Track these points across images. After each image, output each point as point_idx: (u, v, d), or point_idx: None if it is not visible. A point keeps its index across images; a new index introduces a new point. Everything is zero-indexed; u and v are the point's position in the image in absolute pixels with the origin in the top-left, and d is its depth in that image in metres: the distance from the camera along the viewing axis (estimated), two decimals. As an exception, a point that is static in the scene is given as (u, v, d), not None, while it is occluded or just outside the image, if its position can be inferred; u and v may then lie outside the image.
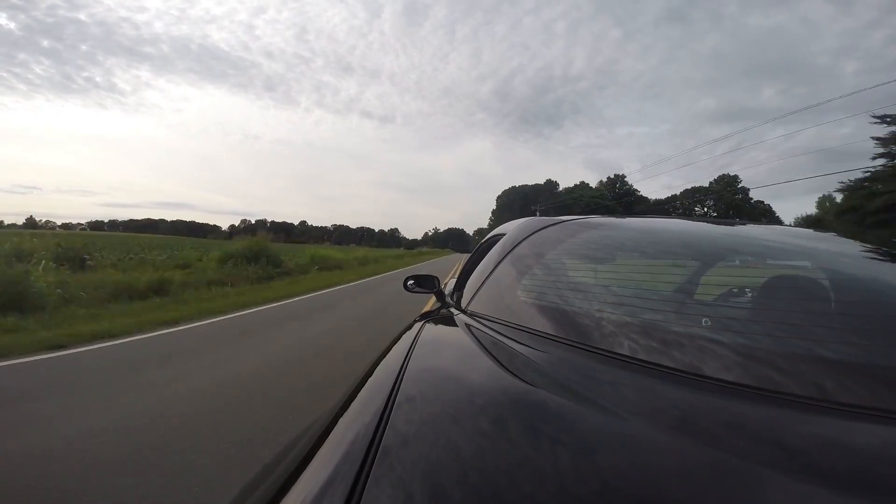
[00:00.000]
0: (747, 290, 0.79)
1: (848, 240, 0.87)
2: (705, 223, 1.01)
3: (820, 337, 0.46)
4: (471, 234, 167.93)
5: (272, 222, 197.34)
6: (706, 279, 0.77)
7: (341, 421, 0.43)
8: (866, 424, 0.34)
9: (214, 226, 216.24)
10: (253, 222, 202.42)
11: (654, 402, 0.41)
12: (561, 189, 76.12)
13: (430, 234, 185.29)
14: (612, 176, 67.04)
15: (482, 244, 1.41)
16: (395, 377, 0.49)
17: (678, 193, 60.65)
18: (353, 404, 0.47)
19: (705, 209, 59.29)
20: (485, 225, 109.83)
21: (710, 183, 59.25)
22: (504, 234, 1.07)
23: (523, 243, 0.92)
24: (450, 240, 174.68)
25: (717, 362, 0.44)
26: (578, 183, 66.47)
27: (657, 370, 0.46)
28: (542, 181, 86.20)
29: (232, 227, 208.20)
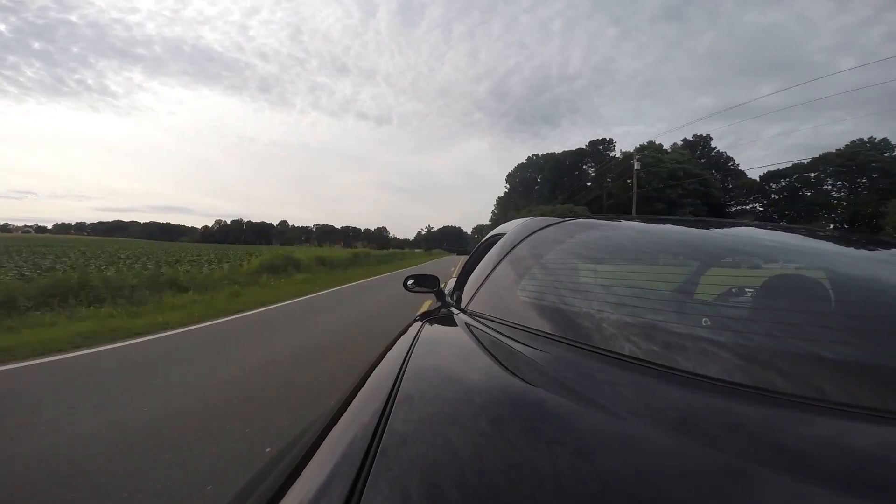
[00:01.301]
0: (747, 289, 0.79)
1: (847, 239, 0.85)
2: (704, 223, 1.02)
3: (819, 337, 0.46)
4: (469, 232, 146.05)
5: (248, 222, 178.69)
6: (705, 279, 0.77)
7: (341, 420, 0.43)
8: (866, 424, 0.34)
9: (191, 227, 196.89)
10: (228, 223, 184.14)
11: (654, 401, 0.41)
12: (618, 154, 48.17)
13: (423, 232, 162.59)
14: (689, 138, 43.36)
15: (482, 244, 1.41)
16: (395, 377, 0.49)
17: (806, 161, 37.17)
18: (353, 404, 0.47)
19: (857, 187, 35.83)
20: (486, 221, 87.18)
21: (838, 151, 36.45)
22: (503, 234, 1.07)
23: (523, 243, 0.91)
24: (445, 239, 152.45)
25: (716, 362, 0.44)
26: (645, 143, 38.95)
27: (656, 370, 0.45)
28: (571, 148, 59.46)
29: (205, 228, 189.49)
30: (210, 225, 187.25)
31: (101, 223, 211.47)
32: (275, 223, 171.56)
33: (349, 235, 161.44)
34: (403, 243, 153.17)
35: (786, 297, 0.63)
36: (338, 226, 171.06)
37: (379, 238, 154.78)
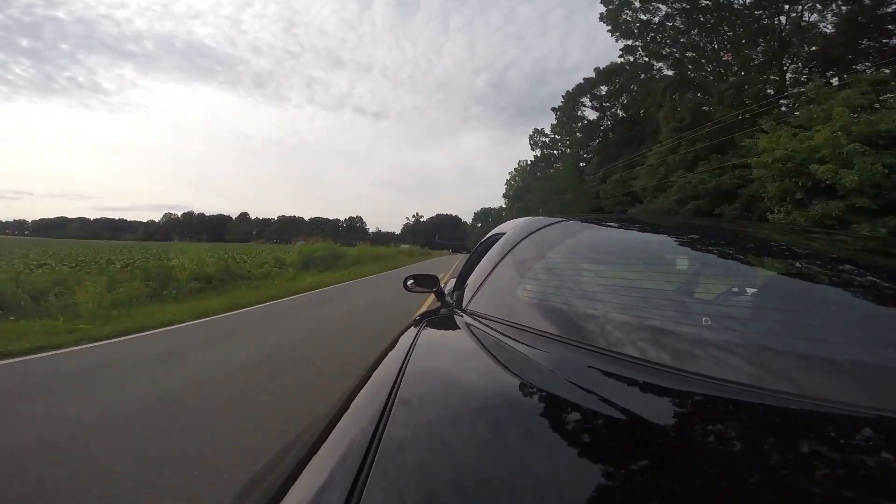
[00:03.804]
0: (747, 289, 0.79)
1: (845, 239, 0.87)
2: (706, 222, 1.02)
3: (819, 337, 0.46)
4: (469, 221, 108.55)
5: (200, 215, 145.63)
6: (706, 279, 0.78)
7: (341, 422, 0.42)
8: (866, 424, 0.34)
9: (145, 222, 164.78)
10: (179, 216, 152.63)
11: (655, 402, 0.40)
12: None
13: (409, 223, 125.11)
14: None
15: (482, 243, 1.42)
16: (394, 378, 0.48)
17: None
18: (353, 405, 0.46)
19: None
20: (495, 204, 51.39)
21: None
22: (504, 234, 1.07)
23: (523, 242, 0.91)
24: (437, 231, 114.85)
25: (717, 362, 0.44)
26: None
27: (658, 370, 0.45)
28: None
29: (151, 222, 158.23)
30: (158, 219, 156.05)
31: (43, 220, 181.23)
32: (233, 216, 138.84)
33: (317, 228, 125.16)
34: (388, 238, 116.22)
35: (786, 297, 0.62)
36: (307, 217, 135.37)
37: (349, 231, 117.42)
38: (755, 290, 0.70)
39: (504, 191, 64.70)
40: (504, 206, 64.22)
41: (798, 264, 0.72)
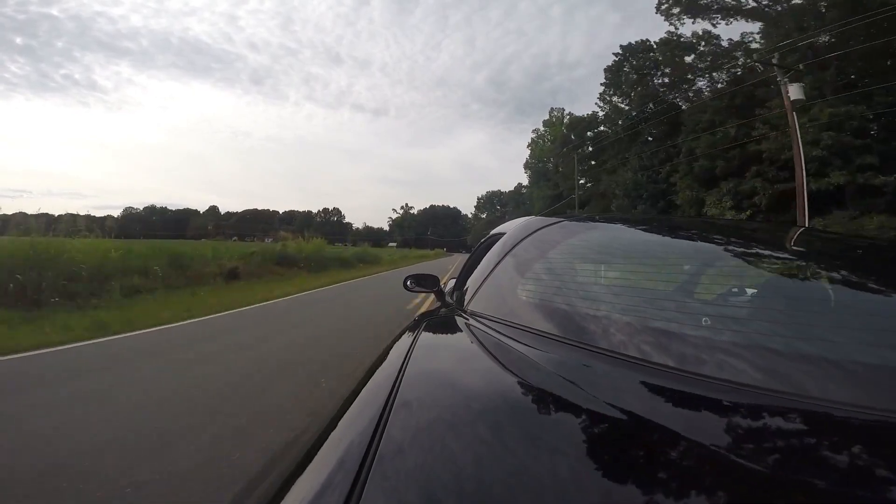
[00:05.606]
0: (747, 289, 0.78)
1: (845, 239, 0.88)
2: (706, 222, 1.04)
3: (820, 337, 0.46)
4: (470, 214, 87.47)
5: (163, 208, 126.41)
6: (706, 279, 0.78)
7: (340, 423, 0.42)
8: (866, 424, 0.34)
9: (103, 217, 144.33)
10: (141, 210, 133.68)
11: (656, 402, 0.40)
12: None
13: (397, 216, 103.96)
14: None
15: (481, 244, 1.42)
16: (394, 378, 0.48)
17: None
18: (353, 406, 0.45)
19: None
20: (508, 184, 31.03)
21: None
22: (504, 234, 1.08)
23: (524, 242, 0.91)
24: (430, 226, 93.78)
25: (717, 362, 0.44)
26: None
27: (658, 370, 0.45)
28: None
29: (109, 217, 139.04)
30: (117, 215, 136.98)
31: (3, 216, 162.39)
32: (201, 210, 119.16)
33: (286, 222, 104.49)
34: (377, 235, 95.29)
35: (786, 297, 0.61)
36: (281, 211, 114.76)
37: (326, 226, 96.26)
38: (755, 290, 0.69)
39: (526, 159, 44.01)
40: (527, 183, 43.67)
41: (799, 264, 0.70)
